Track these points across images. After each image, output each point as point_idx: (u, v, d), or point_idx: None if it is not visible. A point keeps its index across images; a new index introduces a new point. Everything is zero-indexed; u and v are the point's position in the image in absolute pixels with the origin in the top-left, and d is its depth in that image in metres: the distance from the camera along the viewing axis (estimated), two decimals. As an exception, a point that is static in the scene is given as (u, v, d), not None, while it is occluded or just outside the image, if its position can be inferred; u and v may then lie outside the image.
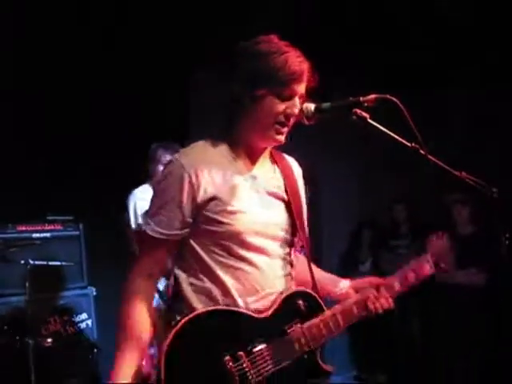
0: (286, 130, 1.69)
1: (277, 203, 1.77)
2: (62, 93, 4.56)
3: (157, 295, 3.35)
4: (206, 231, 1.68)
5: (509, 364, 3.90)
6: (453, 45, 4.55)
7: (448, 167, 1.65)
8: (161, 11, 4.33)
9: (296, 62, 1.63)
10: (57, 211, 4.56)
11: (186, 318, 1.60)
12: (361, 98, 1.59)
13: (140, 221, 3.32)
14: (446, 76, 4.85)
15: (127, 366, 1.64)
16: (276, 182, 1.81)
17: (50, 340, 4.27)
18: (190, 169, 1.65)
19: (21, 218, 4.43)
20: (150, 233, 1.69)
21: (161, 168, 3.55)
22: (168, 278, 3.48)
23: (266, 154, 1.81)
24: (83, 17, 4.22)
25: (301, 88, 1.67)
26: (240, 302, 1.66)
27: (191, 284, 1.71)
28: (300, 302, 1.72)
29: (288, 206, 1.79)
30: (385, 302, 1.83)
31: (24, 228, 4.43)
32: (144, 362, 4.45)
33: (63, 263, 4.23)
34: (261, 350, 1.63)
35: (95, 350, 4.48)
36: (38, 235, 4.45)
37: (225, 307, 1.65)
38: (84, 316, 4.55)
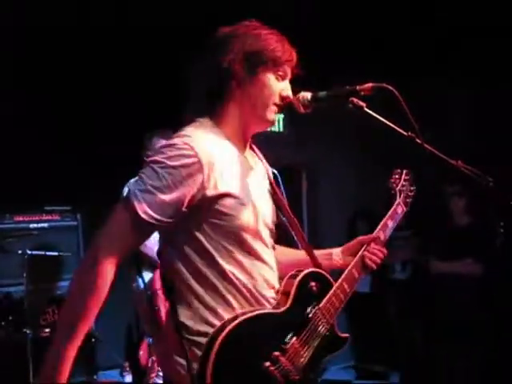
0: (278, 114, 1.68)
1: (267, 194, 1.75)
2: (60, 82, 4.54)
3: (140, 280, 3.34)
4: (215, 225, 1.56)
5: (510, 363, 3.92)
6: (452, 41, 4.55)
7: (444, 156, 1.65)
8: (161, 9, 4.32)
9: (288, 44, 1.65)
10: (54, 201, 4.56)
11: (222, 336, 1.49)
12: (357, 87, 1.58)
13: None
14: (446, 73, 4.85)
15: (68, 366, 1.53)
16: (263, 171, 1.80)
17: (47, 330, 4.29)
18: (204, 160, 1.51)
19: (18, 209, 4.43)
20: (140, 213, 1.47)
21: None
22: (153, 271, 3.48)
23: (247, 143, 1.76)
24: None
25: (289, 72, 1.68)
26: (256, 296, 1.62)
27: (193, 279, 1.58)
28: (312, 283, 1.73)
29: (272, 195, 1.78)
30: (379, 253, 1.93)
31: (21, 218, 4.44)
32: (141, 352, 4.49)
33: (61, 253, 4.23)
34: (293, 344, 1.62)
35: (93, 340, 4.49)
36: (35, 225, 4.46)
37: (251, 313, 1.57)
38: (82, 306, 4.55)
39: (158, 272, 2.96)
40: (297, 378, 1.60)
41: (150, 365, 3.97)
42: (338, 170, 5.65)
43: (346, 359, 5.27)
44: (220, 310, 1.56)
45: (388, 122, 1.61)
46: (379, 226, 2.01)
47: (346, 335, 1.79)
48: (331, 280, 1.79)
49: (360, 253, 1.89)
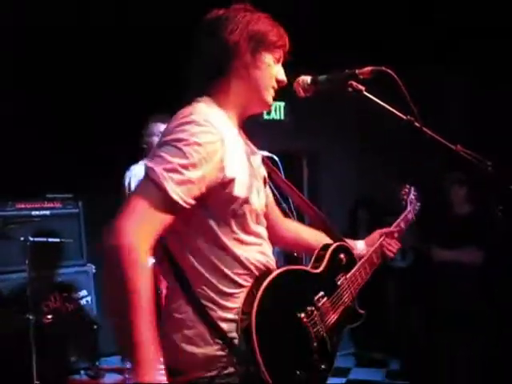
0: (273, 95, 1.68)
1: (261, 177, 1.75)
2: (61, 73, 4.56)
3: None
4: (223, 209, 1.52)
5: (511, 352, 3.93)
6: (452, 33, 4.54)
7: (444, 141, 1.65)
8: (161, 9, 4.31)
9: (282, 29, 1.66)
10: (56, 189, 4.58)
11: (268, 281, 1.55)
12: (356, 71, 1.59)
13: (132, 188, 3.28)
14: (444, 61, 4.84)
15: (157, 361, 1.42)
16: (257, 154, 1.79)
17: (50, 317, 4.32)
18: (223, 138, 1.48)
19: (20, 196, 4.45)
20: (171, 192, 1.38)
21: (157, 139, 3.52)
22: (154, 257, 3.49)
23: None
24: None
25: (283, 57, 1.68)
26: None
27: (200, 263, 1.53)
28: (342, 255, 1.89)
29: (264, 178, 1.79)
30: (394, 244, 2.13)
31: (23, 206, 4.46)
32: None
33: (63, 240, 4.26)
34: (324, 303, 1.72)
35: (95, 327, 4.54)
36: (37, 213, 4.48)
37: (293, 266, 1.71)
38: (84, 293, 4.59)
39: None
40: (324, 335, 1.69)
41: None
42: (338, 158, 5.65)
43: (346, 346, 5.29)
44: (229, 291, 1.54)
45: (387, 106, 1.61)
46: (394, 224, 2.22)
47: (363, 311, 1.93)
48: (356, 258, 1.97)
49: (379, 241, 2.08)
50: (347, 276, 1.86)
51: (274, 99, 1.69)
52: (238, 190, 1.52)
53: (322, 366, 1.68)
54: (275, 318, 1.57)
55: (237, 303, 1.54)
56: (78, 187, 4.59)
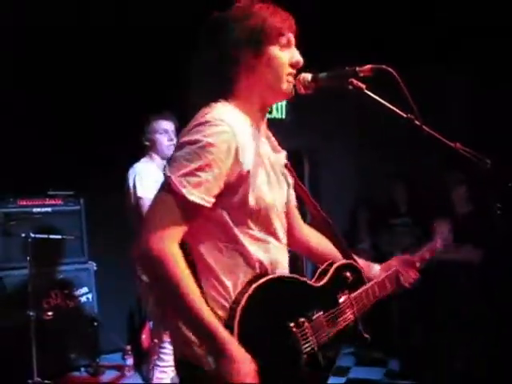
0: (293, 81, 1.66)
1: (282, 177, 1.75)
2: (61, 73, 4.57)
3: None
4: (238, 205, 1.55)
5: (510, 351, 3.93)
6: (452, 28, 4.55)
7: (443, 138, 1.66)
8: (161, 8, 4.32)
9: (282, 11, 1.66)
10: (58, 186, 4.59)
11: (257, 284, 1.54)
12: (357, 68, 1.60)
13: (139, 194, 3.30)
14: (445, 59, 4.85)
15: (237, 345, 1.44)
16: (279, 155, 1.79)
17: (50, 313, 4.34)
18: (239, 139, 1.51)
19: (22, 193, 4.47)
20: (188, 196, 1.44)
21: (160, 136, 3.53)
22: None
23: (264, 124, 1.75)
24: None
25: (292, 38, 1.68)
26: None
27: (212, 258, 1.57)
28: (348, 273, 1.82)
29: (286, 177, 1.79)
30: (413, 274, 2.01)
31: (25, 202, 4.48)
32: (144, 336, 4.53)
33: (64, 237, 4.27)
34: (319, 317, 1.67)
35: (95, 324, 4.56)
36: (38, 210, 4.50)
37: (290, 275, 1.66)
38: (85, 290, 4.60)
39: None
40: (315, 349, 1.63)
41: (151, 348, 4.02)
42: (338, 157, 5.66)
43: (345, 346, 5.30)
44: (232, 288, 1.56)
45: (387, 103, 1.62)
46: (417, 255, 2.10)
47: (367, 336, 1.86)
48: (364, 278, 1.89)
49: (395, 268, 1.99)
50: (351, 295, 1.80)
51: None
52: (253, 185, 1.55)
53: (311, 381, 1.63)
54: (261, 320, 1.52)
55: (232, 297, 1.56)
56: (80, 185, 4.60)
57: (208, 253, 1.57)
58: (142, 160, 3.52)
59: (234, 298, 1.54)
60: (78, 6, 4.24)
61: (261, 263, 1.60)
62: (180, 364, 1.65)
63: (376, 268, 1.99)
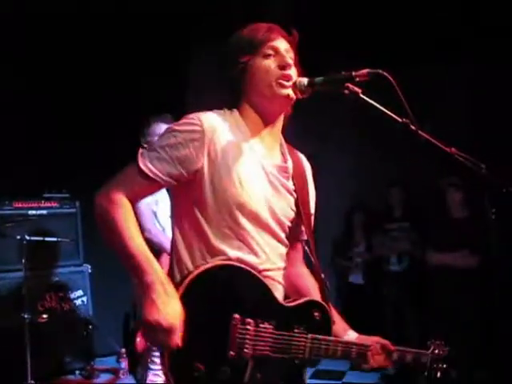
0: (289, 83, 1.68)
1: (283, 190, 1.75)
2: (62, 71, 4.57)
3: None
4: (208, 197, 1.62)
5: (504, 348, 3.93)
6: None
7: (439, 143, 1.66)
8: (161, 10, 4.33)
9: (262, 25, 1.74)
10: (53, 188, 4.58)
11: (224, 262, 1.59)
12: (353, 73, 1.60)
13: None
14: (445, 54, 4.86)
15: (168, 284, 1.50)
16: (283, 169, 1.79)
17: (45, 316, 4.32)
18: (208, 128, 1.63)
19: (17, 195, 4.45)
20: (142, 166, 1.61)
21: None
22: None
23: (276, 135, 1.80)
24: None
25: (280, 43, 1.71)
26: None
27: (185, 248, 1.65)
28: (317, 313, 1.76)
29: (295, 198, 1.79)
30: (383, 360, 1.91)
31: (20, 205, 4.47)
32: (138, 339, 4.51)
33: (59, 239, 4.25)
34: (267, 329, 1.62)
35: (90, 327, 4.54)
36: (34, 212, 4.49)
37: (251, 270, 1.62)
38: (79, 293, 4.59)
39: (161, 258, 2.99)
40: (247, 357, 1.58)
41: (145, 351, 4.01)
42: (334, 161, 5.65)
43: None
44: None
45: (382, 108, 1.62)
46: (399, 349, 1.96)
47: None
48: (332, 329, 1.79)
49: (368, 343, 1.88)
50: (308, 336, 1.70)
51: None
52: (223, 179, 1.61)
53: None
54: (209, 296, 1.53)
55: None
56: (75, 188, 4.59)
57: (184, 250, 1.67)
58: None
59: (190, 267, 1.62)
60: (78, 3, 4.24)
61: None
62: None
63: (352, 334, 1.90)
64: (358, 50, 4.41)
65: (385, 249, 5.08)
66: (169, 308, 1.45)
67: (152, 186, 1.64)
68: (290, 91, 1.69)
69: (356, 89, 1.61)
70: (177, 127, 1.64)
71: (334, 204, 5.47)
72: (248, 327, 1.58)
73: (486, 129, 4.68)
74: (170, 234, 1.78)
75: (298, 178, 1.83)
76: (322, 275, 1.87)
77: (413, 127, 1.61)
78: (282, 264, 1.76)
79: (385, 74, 1.56)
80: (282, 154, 1.82)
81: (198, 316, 1.50)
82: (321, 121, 5.42)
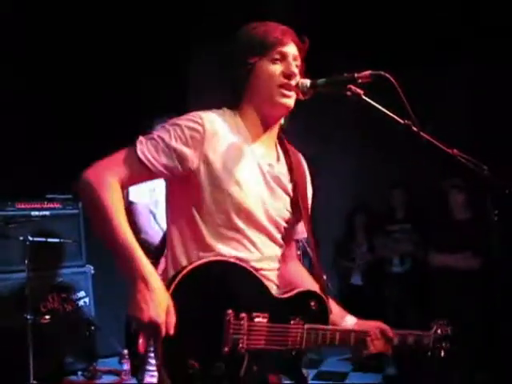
0: (291, 93, 1.69)
1: (279, 190, 1.77)
2: (62, 71, 4.57)
3: None
4: (205, 196, 1.63)
5: (506, 349, 3.93)
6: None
7: (441, 145, 1.66)
8: (161, 12, 4.34)
9: (275, 26, 1.73)
10: (56, 189, 4.59)
11: (216, 258, 1.59)
12: (355, 74, 1.60)
13: (130, 199, 3.27)
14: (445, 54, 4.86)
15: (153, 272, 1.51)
16: (281, 169, 1.80)
17: (48, 317, 4.33)
18: (208, 127, 1.64)
19: (20, 196, 4.46)
20: (138, 151, 1.61)
21: None
22: (152, 259, 3.48)
23: (273, 137, 1.81)
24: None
25: (290, 49, 1.71)
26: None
27: (181, 245, 1.67)
28: (313, 303, 1.74)
29: (292, 198, 1.80)
30: (383, 345, 1.88)
31: (23, 206, 4.47)
32: (140, 340, 4.51)
33: (62, 240, 4.26)
34: (262, 323, 1.62)
35: (92, 328, 4.54)
36: (36, 213, 4.49)
37: (245, 265, 1.63)
38: (82, 294, 4.59)
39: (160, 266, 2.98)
40: (241, 352, 1.58)
41: (147, 353, 4.01)
42: (336, 163, 5.65)
43: (343, 351, 5.29)
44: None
45: (385, 110, 1.62)
46: (400, 332, 1.93)
47: (306, 375, 1.79)
48: (329, 317, 1.78)
49: (367, 328, 1.86)
50: (305, 325, 1.70)
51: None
52: (220, 179, 1.62)
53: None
54: (201, 292, 1.53)
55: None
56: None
57: (179, 248, 1.68)
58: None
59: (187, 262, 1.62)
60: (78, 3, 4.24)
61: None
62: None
63: (351, 319, 1.89)
64: (357, 50, 4.42)
65: (387, 250, 5.08)
66: (151, 302, 1.46)
67: (145, 174, 1.64)
68: (290, 101, 1.70)
69: (358, 90, 1.62)
70: (179, 122, 1.65)
71: (336, 205, 5.48)
72: (242, 322, 1.58)
73: (487, 129, 4.68)
74: None
75: (299, 177, 1.83)
76: (324, 276, 1.88)
77: (415, 129, 1.62)
78: (276, 265, 1.78)
79: (387, 75, 1.57)
80: (278, 154, 1.83)
81: (191, 312, 1.51)
82: (323, 122, 5.42)
